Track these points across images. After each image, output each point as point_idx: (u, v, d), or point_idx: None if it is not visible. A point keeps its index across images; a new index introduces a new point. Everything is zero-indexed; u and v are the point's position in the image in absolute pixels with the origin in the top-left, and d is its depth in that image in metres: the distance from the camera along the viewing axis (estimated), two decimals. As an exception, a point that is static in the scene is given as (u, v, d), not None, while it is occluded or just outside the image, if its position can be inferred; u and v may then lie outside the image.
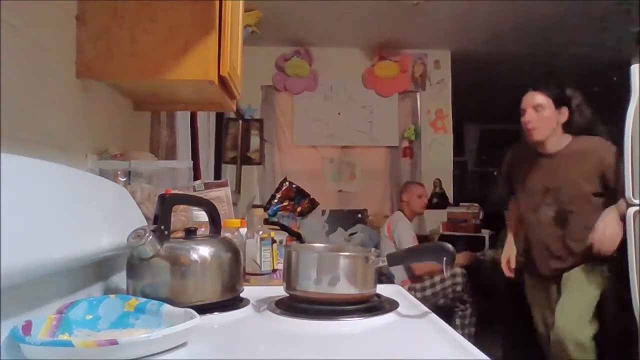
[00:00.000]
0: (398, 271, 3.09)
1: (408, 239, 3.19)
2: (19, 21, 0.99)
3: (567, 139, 2.17)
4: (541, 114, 2.12)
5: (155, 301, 0.82)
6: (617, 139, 2.01)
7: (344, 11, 3.46)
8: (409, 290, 2.56)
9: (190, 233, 0.99)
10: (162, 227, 0.93)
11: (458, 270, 3.03)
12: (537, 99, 2.14)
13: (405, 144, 4.65)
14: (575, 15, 3.35)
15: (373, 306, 0.98)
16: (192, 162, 1.48)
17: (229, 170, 3.77)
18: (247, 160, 3.98)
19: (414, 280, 3.11)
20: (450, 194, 4.65)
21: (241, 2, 1.56)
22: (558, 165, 2.15)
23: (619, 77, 2.32)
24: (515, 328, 2.57)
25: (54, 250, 0.76)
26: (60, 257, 0.77)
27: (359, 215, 4.20)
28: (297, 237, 2.40)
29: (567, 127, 2.17)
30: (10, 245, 0.64)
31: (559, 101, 2.15)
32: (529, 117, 2.13)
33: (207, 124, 2.95)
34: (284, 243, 1.79)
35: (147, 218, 1.17)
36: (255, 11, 3.07)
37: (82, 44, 1.25)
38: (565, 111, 2.15)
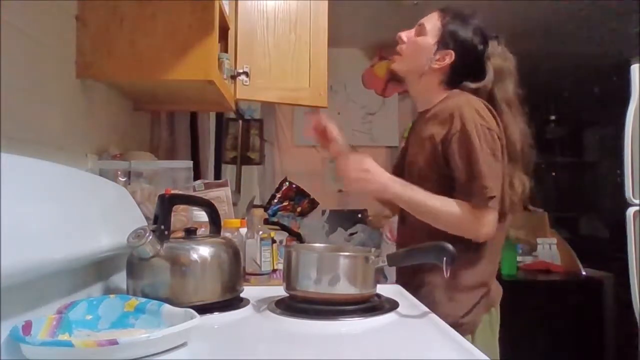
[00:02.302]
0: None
1: None
2: (19, 21, 0.99)
3: (440, 95, 1.40)
4: (418, 39, 1.43)
5: (155, 301, 0.82)
6: (617, 139, 2.01)
7: (343, 11, 3.46)
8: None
9: (190, 233, 0.99)
10: (162, 227, 0.93)
11: None
12: (427, 17, 1.45)
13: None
14: (575, 16, 3.35)
15: (373, 306, 0.98)
16: (192, 162, 1.48)
17: (229, 170, 3.77)
18: (247, 160, 3.98)
19: None
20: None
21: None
22: (413, 134, 1.49)
23: (619, 77, 2.32)
24: (515, 328, 2.56)
25: (54, 250, 0.76)
26: (60, 257, 0.77)
27: (359, 215, 4.19)
28: (297, 237, 2.39)
29: (452, 81, 1.40)
30: (10, 245, 0.64)
31: (449, 36, 1.40)
32: (404, 34, 1.46)
33: (207, 124, 2.95)
34: (284, 243, 1.79)
35: (147, 218, 1.17)
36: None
37: (82, 44, 1.26)
38: (448, 57, 1.38)
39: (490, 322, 1.35)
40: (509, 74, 1.40)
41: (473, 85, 1.38)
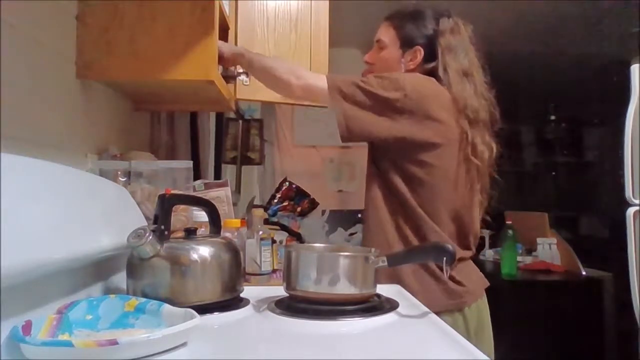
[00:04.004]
0: None
1: None
2: (19, 21, 0.99)
3: None
4: (383, 55, 1.49)
5: (155, 301, 0.82)
6: (617, 139, 2.01)
7: (344, 11, 3.45)
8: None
9: (190, 233, 0.99)
10: (162, 227, 0.93)
11: None
12: (380, 31, 1.51)
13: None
14: (575, 15, 3.35)
15: (373, 306, 0.98)
16: (192, 162, 1.48)
17: (229, 170, 3.76)
18: (247, 160, 3.97)
19: None
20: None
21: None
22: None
23: (619, 77, 2.32)
24: (515, 328, 2.56)
25: (54, 250, 0.76)
26: (60, 257, 0.77)
27: (359, 215, 4.19)
28: (297, 237, 2.39)
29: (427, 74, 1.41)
30: (10, 245, 0.64)
31: (407, 37, 1.44)
32: (367, 56, 1.54)
33: (207, 124, 2.95)
34: (284, 243, 1.79)
35: (147, 218, 1.17)
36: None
37: (82, 44, 1.25)
38: (418, 53, 1.42)
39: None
40: (461, 46, 1.42)
41: (427, 66, 1.42)
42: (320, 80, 1.38)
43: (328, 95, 1.35)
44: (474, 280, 1.40)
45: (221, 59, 1.43)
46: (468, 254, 1.41)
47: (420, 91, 1.33)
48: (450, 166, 1.34)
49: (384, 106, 1.31)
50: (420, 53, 1.43)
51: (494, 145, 1.40)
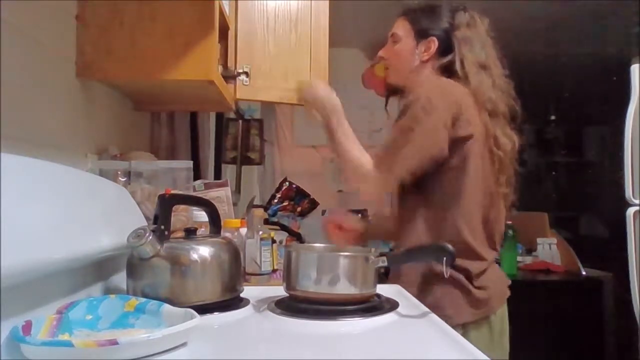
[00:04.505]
0: None
1: None
2: (19, 21, 0.99)
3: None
4: (397, 48, 1.47)
5: (155, 301, 0.82)
6: (617, 139, 2.01)
7: (344, 11, 3.45)
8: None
9: (190, 233, 0.99)
10: (162, 227, 0.92)
11: None
12: (395, 26, 1.50)
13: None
14: (575, 15, 3.35)
15: (373, 306, 0.98)
16: (192, 162, 1.48)
17: (229, 170, 3.76)
18: (247, 160, 3.97)
19: None
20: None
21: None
22: None
23: (619, 77, 2.32)
24: (515, 328, 2.56)
25: (54, 250, 0.76)
26: (60, 257, 0.77)
27: (359, 215, 4.19)
28: (297, 237, 2.39)
29: (444, 69, 1.42)
30: (10, 245, 0.64)
31: (422, 28, 1.44)
32: (382, 51, 1.52)
33: (207, 124, 2.95)
34: (284, 243, 1.79)
35: (147, 218, 1.17)
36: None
37: (82, 44, 1.26)
38: (432, 44, 1.42)
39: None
40: (477, 39, 1.42)
41: (443, 60, 1.42)
42: (370, 183, 1.39)
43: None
44: (498, 284, 1.38)
45: (307, 102, 1.49)
46: (492, 255, 1.37)
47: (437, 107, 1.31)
48: (476, 163, 1.32)
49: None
50: (434, 44, 1.42)
51: (515, 138, 1.40)
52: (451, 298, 1.27)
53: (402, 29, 1.47)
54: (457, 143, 1.30)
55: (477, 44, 1.41)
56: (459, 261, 1.17)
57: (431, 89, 1.35)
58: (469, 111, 1.32)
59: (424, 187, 1.34)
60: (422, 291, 1.26)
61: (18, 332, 0.64)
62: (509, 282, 1.42)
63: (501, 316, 1.35)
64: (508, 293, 1.39)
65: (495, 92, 1.38)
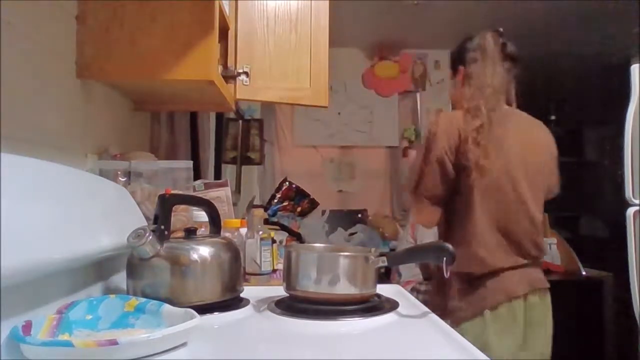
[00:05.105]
0: (407, 270, 3.07)
1: (431, 238, 3.16)
2: (19, 21, 0.99)
3: None
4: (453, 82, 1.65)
5: (155, 301, 0.82)
6: (617, 139, 2.00)
7: (344, 11, 3.45)
8: (412, 290, 2.54)
9: (190, 233, 0.99)
10: (162, 227, 0.93)
11: None
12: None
13: (405, 144, 4.64)
14: (575, 15, 3.35)
15: (373, 306, 0.98)
16: (192, 162, 1.48)
17: (229, 170, 3.76)
18: (247, 160, 3.97)
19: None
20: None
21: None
22: None
23: (619, 78, 2.32)
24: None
25: (54, 250, 0.76)
26: (60, 257, 0.77)
27: (359, 215, 4.19)
28: (297, 237, 2.39)
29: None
30: (10, 245, 0.64)
31: (455, 59, 1.65)
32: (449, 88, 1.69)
33: (207, 124, 2.95)
34: (284, 243, 1.79)
35: (147, 218, 1.17)
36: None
37: (82, 44, 1.25)
38: (460, 71, 1.61)
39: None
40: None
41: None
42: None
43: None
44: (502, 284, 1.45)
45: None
46: (512, 261, 1.46)
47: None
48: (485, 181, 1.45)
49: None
50: (461, 70, 1.61)
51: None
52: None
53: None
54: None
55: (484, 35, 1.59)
56: (464, 267, 1.34)
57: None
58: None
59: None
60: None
61: (18, 332, 0.64)
62: (529, 286, 1.51)
63: (501, 316, 1.37)
64: (516, 293, 1.46)
65: (491, 77, 1.55)
